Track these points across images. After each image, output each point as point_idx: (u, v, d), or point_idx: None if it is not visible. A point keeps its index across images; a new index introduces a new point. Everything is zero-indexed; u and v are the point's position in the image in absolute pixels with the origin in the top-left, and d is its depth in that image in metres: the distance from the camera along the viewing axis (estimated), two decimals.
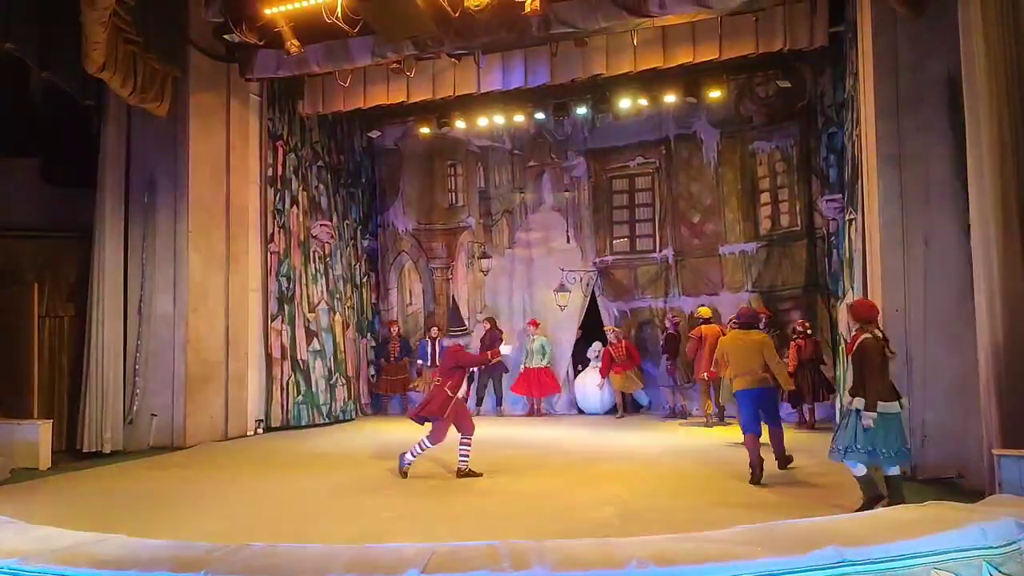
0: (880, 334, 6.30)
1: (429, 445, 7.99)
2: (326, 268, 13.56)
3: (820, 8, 9.89)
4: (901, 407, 6.19)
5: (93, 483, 8.30)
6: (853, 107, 9.38)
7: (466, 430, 8.14)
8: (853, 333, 6.50)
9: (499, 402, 13.97)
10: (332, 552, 4.39)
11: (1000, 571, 4.14)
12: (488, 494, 7.48)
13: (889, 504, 5.97)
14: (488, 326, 13.97)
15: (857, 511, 6.01)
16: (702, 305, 12.66)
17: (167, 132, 10.64)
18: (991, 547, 4.21)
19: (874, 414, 5.97)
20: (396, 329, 14.64)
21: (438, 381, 8.23)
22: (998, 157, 6.32)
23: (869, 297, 8.23)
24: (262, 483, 8.11)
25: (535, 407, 13.76)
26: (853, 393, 6.17)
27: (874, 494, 6.14)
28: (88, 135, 10.56)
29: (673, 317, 13.10)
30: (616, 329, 13.23)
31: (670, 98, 12.74)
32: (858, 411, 6.07)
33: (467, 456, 8.12)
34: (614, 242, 14.15)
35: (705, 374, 11.28)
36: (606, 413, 13.36)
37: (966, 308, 7.05)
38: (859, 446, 6.08)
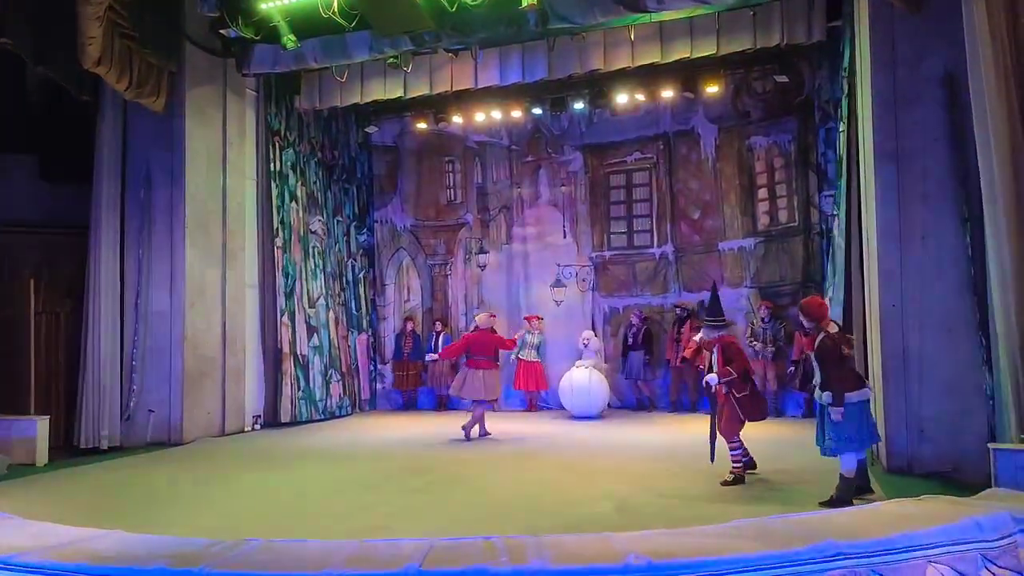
0: (835, 330, 6.47)
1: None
2: (324, 263, 13.56)
3: (818, 3, 9.88)
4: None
5: (90, 479, 8.29)
6: (848, 103, 9.38)
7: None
8: (810, 332, 6.66)
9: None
10: (331, 548, 4.40)
11: (996, 564, 4.15)
12: (486, 489, 7.49)
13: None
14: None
15: (822, 503, 6.16)
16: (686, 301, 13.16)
17: (163, 127, 10.60)
18: (986, 540, 4.23)
19: (841, 408, 6.16)
20: (411, 325, 14.62)
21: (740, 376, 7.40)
22: (1008, 149, 6.33)
23: (866, 293, 8.26)
24: (260, 479, 8.10)
25: (533, 402, 13.76)
26: (822, 389, 6.32)
27: (848, 496, 6.21)
28: (85, 132, 10.51)
29: (640, 312, 13.24)
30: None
31: (667, 93, 12.67)
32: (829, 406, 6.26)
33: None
34: (611, 237, 14.14)
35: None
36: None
37: (963, 303, 7.09)
38: (833, 435, 6.26)
